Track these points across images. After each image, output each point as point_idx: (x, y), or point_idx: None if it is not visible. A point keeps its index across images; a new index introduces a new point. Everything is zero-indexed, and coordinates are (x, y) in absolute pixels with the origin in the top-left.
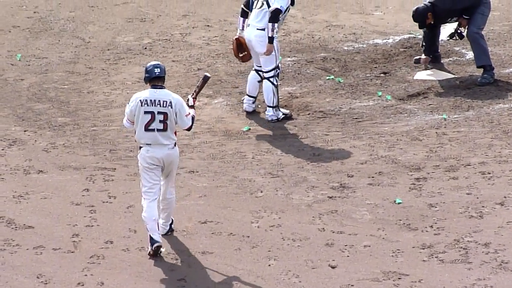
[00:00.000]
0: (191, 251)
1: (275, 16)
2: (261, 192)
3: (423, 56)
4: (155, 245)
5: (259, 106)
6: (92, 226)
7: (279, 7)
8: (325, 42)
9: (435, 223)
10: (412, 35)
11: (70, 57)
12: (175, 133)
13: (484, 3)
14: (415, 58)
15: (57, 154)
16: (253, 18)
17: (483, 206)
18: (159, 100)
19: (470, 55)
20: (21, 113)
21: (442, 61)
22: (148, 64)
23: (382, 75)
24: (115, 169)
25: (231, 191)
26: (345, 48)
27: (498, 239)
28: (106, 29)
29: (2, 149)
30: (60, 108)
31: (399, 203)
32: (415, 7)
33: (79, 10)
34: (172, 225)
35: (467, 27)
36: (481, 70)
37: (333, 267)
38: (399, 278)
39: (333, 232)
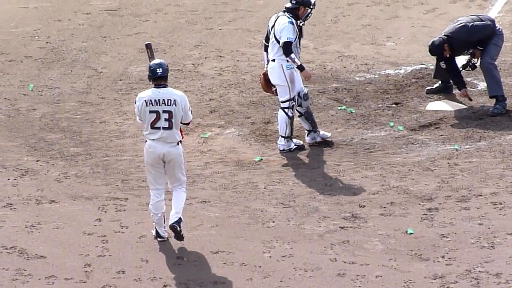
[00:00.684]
0: (202, 281)
1: (287, 48)
2: (273, 222)
3: (457, 91)
4: (160, 239)
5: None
6: (104, 256)
7: (286, 40)
8: (337, 73)
9: (447, 253)
10: (424, 66)
11: (82, 87)
12: (181, 130)
13: (498, 34)
14: (427, 88)
15: (69, 184)
16: (270, 51)
17: (494, 237)
18: (163, 99)
19: (482, 85)
20: (34, 143)
21: (454, 92)
22: (151, 63)
23: (394, 105)
24: (127, 199)
25: (243, 221)
26: (357, 78)
27: (509, 269)
28: (118, 59)
29: (15, 179)
30: (73, 138)
31: (410, 233)
32: (431, 41)
33: (92, 41)
34: (181, 223)
35: (480, 57)
36: (493, 100)
37: None
38: None
39: (345, 263)
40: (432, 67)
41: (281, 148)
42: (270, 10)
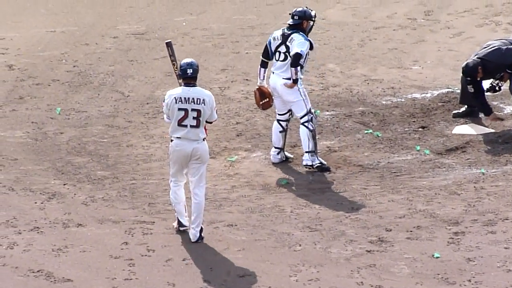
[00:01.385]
0: None
1: (296, 60)
2: (300, 245)
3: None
4: (182, 228)
5: (292, 157)
6: (131, 279)
7: (299, 51)
8: (363, 96)
9: (473, 277)
10: (450, 90)
11: (109, 111)
12: (205, 128)
13: None
14: (453, 112)
15: (96, 207)
16: (277, 68)
17: None
18: (193, 98)
19: (508, 109)
20: (61, 166)
21: (480, 116)
22: (183, 62)
23: (420, 129)
24: (154, 222)
25: (269, 245)
26: (384, 102)
27: None
28: (145, 83)
29: (42, 202)
30: (100, 162)
31: (437, 257)
32: (465, 62)
33: (119, 64)
34: (202, 233)
35: (508, 81)
36: None
37: None
38: None
39: (372, 286)
40: (458, 91)
41: (304, 163)
42: None
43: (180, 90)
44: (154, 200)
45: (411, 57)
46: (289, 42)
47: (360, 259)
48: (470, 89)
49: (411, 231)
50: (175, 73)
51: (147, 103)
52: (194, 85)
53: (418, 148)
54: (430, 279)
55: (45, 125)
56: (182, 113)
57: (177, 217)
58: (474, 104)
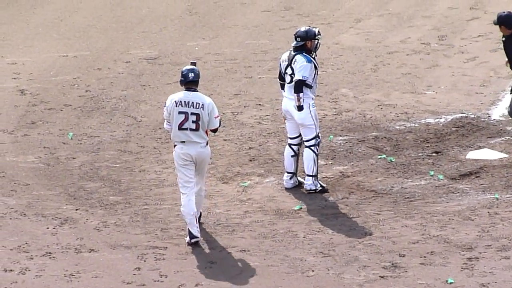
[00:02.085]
0: None
1: (299, 87)
2: (313, 271)
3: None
4: (193, 240)
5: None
6: None
7: (301, 78)
8: (376, 121)
9: None
10: (464, 115)
11: (122, 136)
12: (206, 132)
13: None
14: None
15: (108, 232)
16: (287, 92)
17: None
18: (192, 102)
19: None
20: (73, 191)
21: (493, 141)
22: (184, 68)
23: (434, 154)
24: (166, 247)
25: (282, 270)
26: (397, 127)
27: None
28: (158, 107)
29: (54, 228)
30: (112, 187)
31: (451, 283)
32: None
33: (131, 89)
34: (201, 218)
35: None
36: None
37: None
38: None
39: None
40: (472, 116)
41: (308, 188)
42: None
43: (181, 95)
44: (166, 225)
45: (424, 82)
46: (293, 64)
47: (373, 285)
48: None
49: (424, 257)
50: None
51: (160, 128)
52: (195, 90)
53: (432, 173)
54: None
55: (57, 150)
56: (182, 116)
57: (188, 229)
58: None
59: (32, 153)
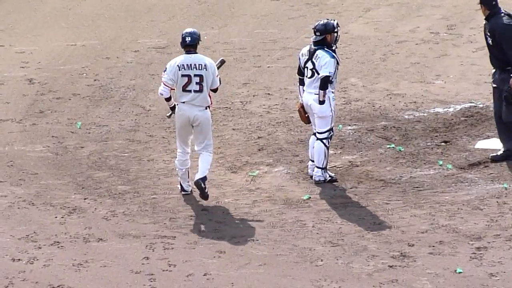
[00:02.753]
0: None
1: (325, 83)
2: (321, 261)
3: None
4: (183, 193)
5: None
6: None
7: (327, 74)
8: (385, 111)
9: None
10: (473, 104)
11: (130, 125)
12: (209, 96)
13: None
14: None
15: (117, 222)
16: (307, 86)
17: None
18: (194, 64)
19: None
20: (81, 181)
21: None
22: (183, 32)
23: (443, 143)
24: (175, 237)
25: (291, 260)
26: (406, 116)
27: None
28: None
29: (62, 217)
30: (120, 176)
31: (459, 272)
32: None
33: (140, 78)
34: (205, 182)
35: None
36: None
37: None
38: None
39: None
40: (481, 105)
41: (317, 179)
42: None
43: (182, 58)
44: (175, 214)
45: (433, 71)
46: (315, 59)
47: (382, 275)
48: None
49: (433, 246)
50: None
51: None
52: (195, 52)
53: (441, 162)
54: None
55: (65, 139)
56: (186, 79)
57: (180, 182)
58: None
59: (40, 142)
